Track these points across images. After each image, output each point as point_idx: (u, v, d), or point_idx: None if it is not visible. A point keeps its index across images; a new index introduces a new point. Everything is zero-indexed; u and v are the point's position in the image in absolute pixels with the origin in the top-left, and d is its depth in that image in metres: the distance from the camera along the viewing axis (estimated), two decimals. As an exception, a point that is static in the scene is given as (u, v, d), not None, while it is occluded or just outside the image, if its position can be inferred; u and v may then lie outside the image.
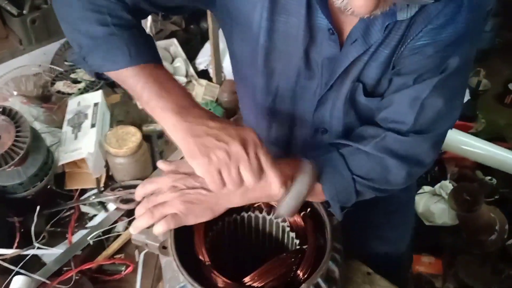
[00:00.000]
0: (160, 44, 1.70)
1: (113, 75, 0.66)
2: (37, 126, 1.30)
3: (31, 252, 1.04)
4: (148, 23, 1.76)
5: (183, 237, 0.72)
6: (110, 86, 1.65)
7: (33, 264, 1.03)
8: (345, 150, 0.74)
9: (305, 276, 0.66)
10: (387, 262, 0.95)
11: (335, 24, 0.70)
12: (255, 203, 0.80)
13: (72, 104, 1.37)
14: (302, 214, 0.76)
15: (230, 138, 0.61)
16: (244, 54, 0.82)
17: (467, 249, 1.56)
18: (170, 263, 0.69)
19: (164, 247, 0.70)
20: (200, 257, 0.70)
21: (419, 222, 1.64)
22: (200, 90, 1.71)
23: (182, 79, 1.68)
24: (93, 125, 1.27)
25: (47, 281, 0.96)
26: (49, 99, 1.55)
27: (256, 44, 0.76)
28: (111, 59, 0.64)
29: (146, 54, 0.66)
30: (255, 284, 0.65)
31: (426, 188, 1.72)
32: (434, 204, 1.66)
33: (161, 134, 1.46)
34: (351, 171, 0.73)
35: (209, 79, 1.83)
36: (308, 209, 0.77)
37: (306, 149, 0.91)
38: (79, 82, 1.55)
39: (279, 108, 0.88)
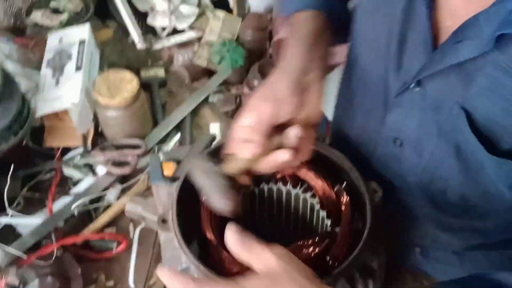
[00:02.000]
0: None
1: None
2: (9, 66, 1.31)
3: (3, 220, 1.07)
4: None
5: (188, 209, 0.74)
6: (101, 17, 1.64)
7: (6, 235, 1.06)
8: None
9: (336, 265, 0.67)
10: None
11: (440, 8, 0.68)
12: (278, 173, 0.81)
13: (53, 41, 1.37)
14: (336, 188, 0.77)
15: None
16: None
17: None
18: (170, 240, 0.72)
19: (164, 221, 0.72)
20: (208, 236, 0.72)
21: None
22: (216, 25, 1.66)
23: (193, 10, 1.64)
24: (78, 68, 1.28)
25: (24, 256, 0.99)
26: (23, 32, 1.55)
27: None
28: None
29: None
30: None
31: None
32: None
33: (163, 82, 1.46)
34: None
35: (229, 10, 1.76)
36: (344, 183, 0.77)
37: (386, 162, 0.87)
38: (61, 12, 1.54)
39: (357, 90, 0.89)
